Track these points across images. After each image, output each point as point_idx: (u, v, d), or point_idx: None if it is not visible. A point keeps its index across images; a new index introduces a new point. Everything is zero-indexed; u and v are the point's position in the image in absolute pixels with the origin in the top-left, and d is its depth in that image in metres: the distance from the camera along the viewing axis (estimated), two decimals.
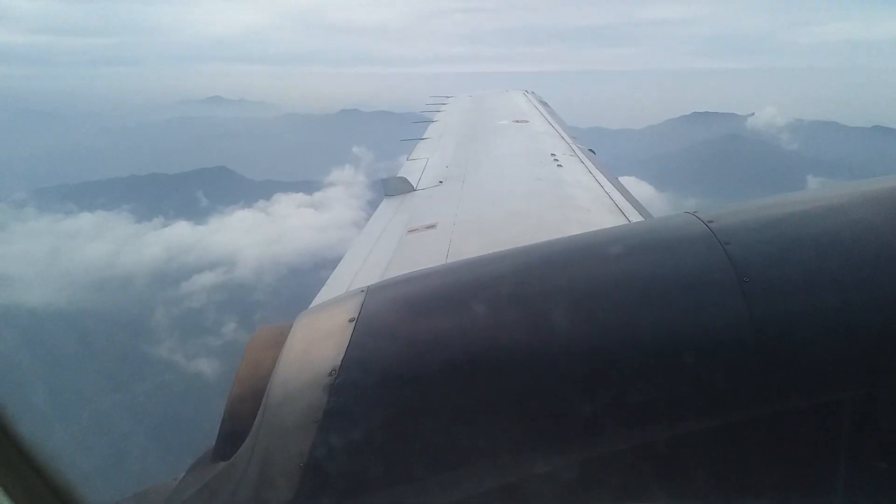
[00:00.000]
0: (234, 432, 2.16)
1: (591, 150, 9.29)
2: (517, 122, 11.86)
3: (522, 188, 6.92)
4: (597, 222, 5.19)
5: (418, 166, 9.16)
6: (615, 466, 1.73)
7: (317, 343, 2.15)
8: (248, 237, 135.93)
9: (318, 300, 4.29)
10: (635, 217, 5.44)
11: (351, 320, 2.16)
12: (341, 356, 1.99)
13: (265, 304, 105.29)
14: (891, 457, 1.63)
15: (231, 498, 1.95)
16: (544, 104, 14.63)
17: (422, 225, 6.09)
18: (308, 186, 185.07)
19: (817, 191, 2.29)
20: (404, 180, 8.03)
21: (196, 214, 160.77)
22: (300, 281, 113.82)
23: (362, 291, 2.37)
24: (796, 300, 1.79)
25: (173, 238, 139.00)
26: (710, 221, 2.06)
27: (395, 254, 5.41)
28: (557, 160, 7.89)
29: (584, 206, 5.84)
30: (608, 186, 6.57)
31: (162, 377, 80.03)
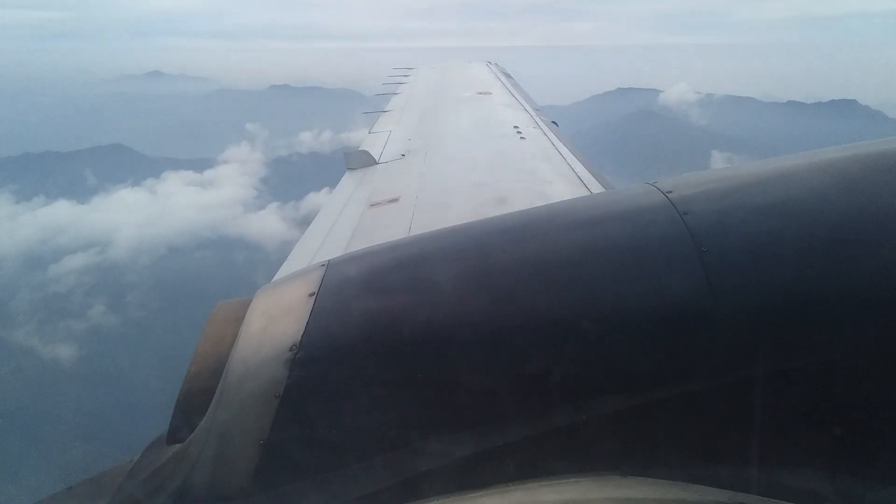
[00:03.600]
0: (190, 411, 2.10)
1: (553, 122, 9.16)
2: (480, 93, 11.66)
3: (485, 161, 6.85)
4: (559, 194, 5.16)
5: (381, 139, 8.95)
6: (577, 436, 1.74)
7: (277, 318, 2.11)
8: (128, 217, 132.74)
9: (279, 275, 4.20)
10: (597, 189, 5.42)
11: (311, 295, 2.13)
12: (302, 331, 1.97)
13: (138, 285, 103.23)
14: (847, 423, 1.66)
15: (189, 476, 1.90)
16: (507, 76, 14.45)
17: (384, 199, 5.99)
18: (201, 164, 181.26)
19: (775, 161, 2.29)
20: (366, 153, 7.85)
21: (80, 193, 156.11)
22: (178, 261, 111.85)
23: (323, 266, 2.34)
24: (754, 269, 1.80)
25: (49, 219, 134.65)
26: (669, 192, 2.06)
27: (357, 228, 5.32)
28: (520, 132, 7.80)
29: (546, 178, 5.79)
30: (571, 158, 6.53)
31: (19, 362, 77.84)
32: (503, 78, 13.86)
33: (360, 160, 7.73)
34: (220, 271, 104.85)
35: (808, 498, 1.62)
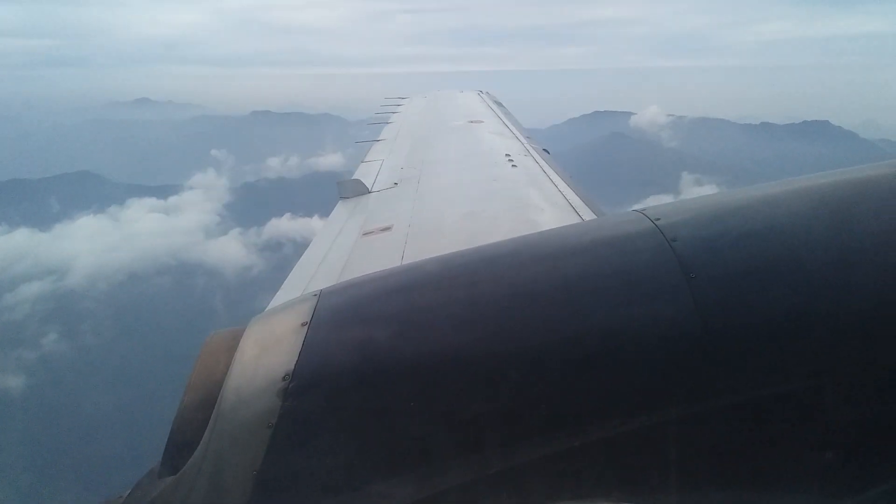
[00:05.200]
0: (184, 442, 2.07)
1: (545, 149, 9.24)
2: (472, 122, 11.82)
3: (477, 189, 6.91)
4: (551, 222, 5.17)
5: (373, 168, 9.07)
6: (570, 463, 1.74)
7: (270, 348, 2.11)
8: (88, 244, 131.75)
9: (272, 305, 4.19)
10: (589, 216, 5.44)
11: (304, 324, 2.14)
12: (294, 361, 1.97)
13: (95, 312, 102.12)
14: (837, 448, 1.67)
15: None
16: (499, 104, 14.69)
17: (377, 227, 6.03)
18: (166, 190, 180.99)
19: (762, 187, 2.31)
20: (359, 182, 7.94)
21: (43, 221, 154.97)
22: (136, 287, 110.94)
23: (315, 295, 2.34)
24: (742, 295, 1.81)
25: (8, 247, 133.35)
26: (657, 219, 2.08)
27: (349, 257, 5.34)
28: (512, 160, 7.86)
29: (538, 205, 5.82)
30: (562, 185, 6.57)
31: None
32: (494, 106, 14.06)
33: (353, 189, 7.81)
34: (177, 297, 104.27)
35: None
